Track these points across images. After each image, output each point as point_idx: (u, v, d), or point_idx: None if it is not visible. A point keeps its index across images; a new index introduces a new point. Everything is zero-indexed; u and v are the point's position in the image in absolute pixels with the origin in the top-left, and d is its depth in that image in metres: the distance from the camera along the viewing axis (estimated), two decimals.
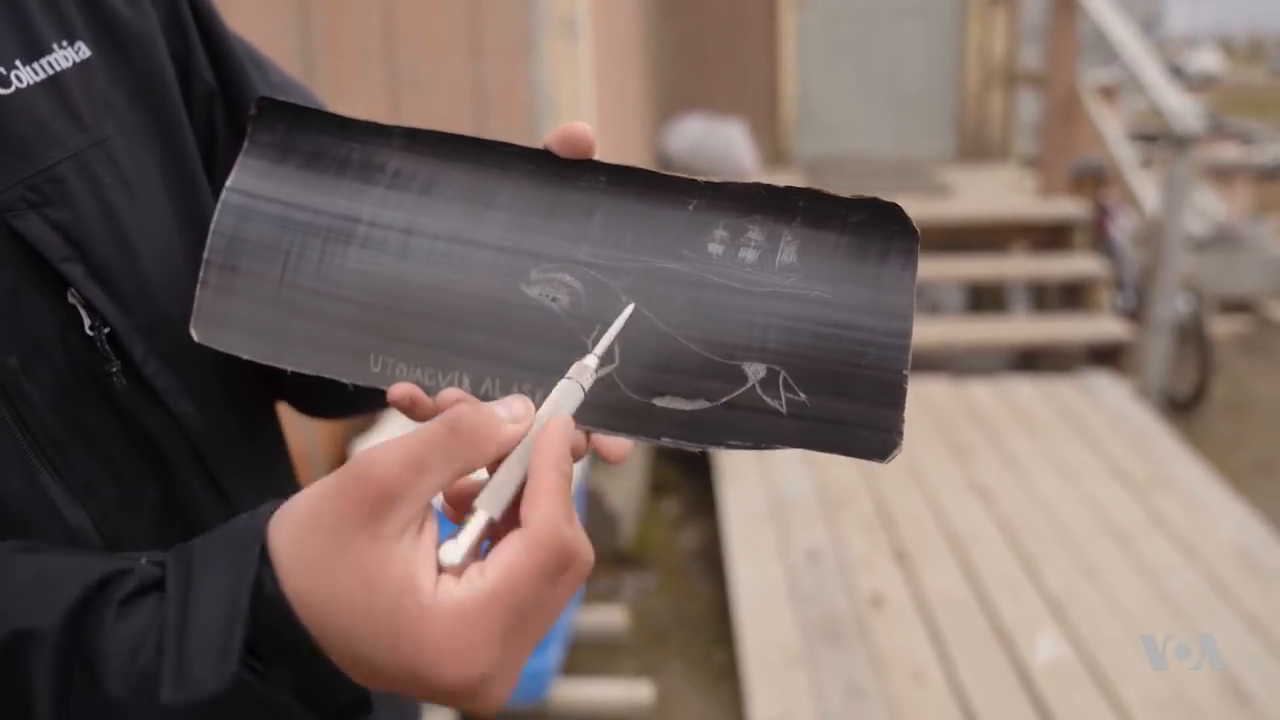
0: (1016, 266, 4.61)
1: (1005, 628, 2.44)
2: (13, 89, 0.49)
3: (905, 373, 0.50)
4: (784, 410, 0.51)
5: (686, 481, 3.61)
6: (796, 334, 0.51)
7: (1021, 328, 4.44)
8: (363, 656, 0.40)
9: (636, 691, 2.47)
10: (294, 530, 0.41)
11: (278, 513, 0.42)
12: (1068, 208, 4.63)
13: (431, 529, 0.42)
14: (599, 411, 0.53)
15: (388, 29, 2.23)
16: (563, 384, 0.48)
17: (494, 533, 0.44)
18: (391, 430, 2.18)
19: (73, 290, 0.51)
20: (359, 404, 0.71)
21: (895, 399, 0.50)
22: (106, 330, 0.52)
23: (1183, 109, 3.78)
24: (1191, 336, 4.11)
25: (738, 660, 2.41)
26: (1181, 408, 4.15)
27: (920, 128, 6.10)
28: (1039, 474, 3.21)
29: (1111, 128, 4.44)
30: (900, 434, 0.50)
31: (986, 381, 3.99)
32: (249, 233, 0.57)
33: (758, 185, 0.52)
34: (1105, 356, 4.25)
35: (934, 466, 3.27)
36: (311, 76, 1.93)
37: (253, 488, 0.62)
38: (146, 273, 0.54)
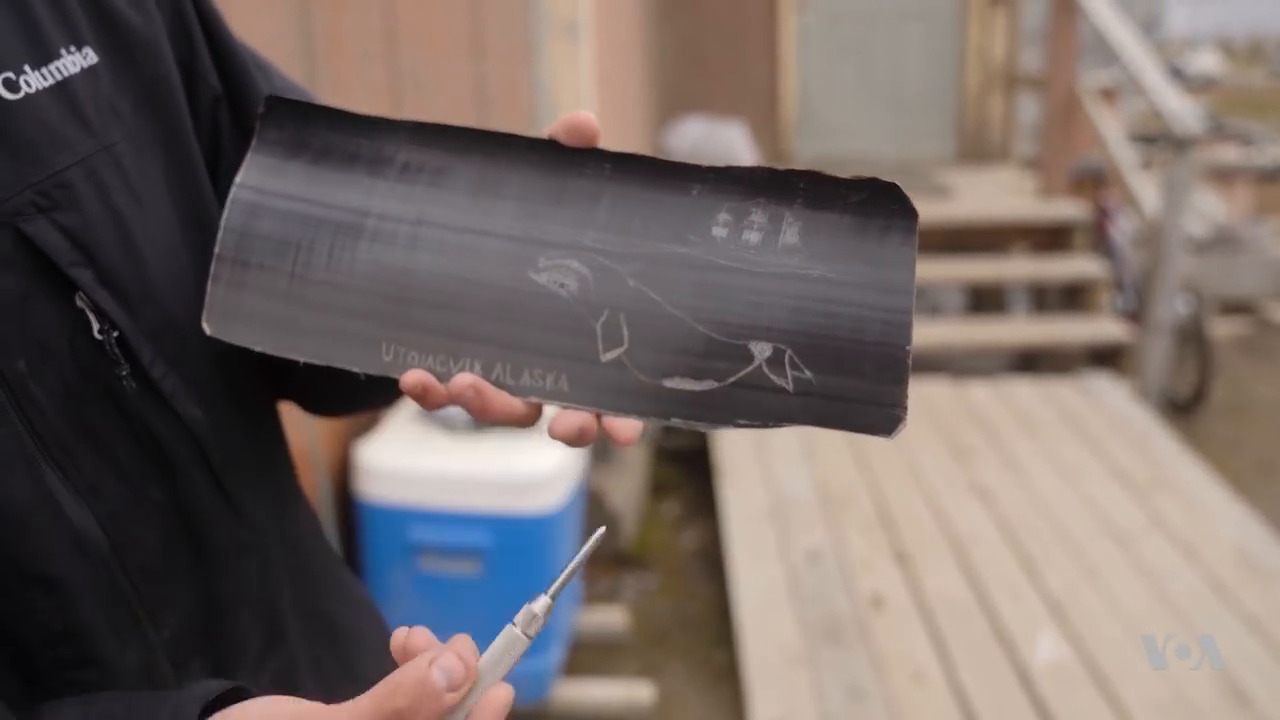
0: (1016, 268, 4.61)
1: (1005, 628, 2.44)
2: (21, 94, 0.50)
3: (908, 348, 0.51)
4: (791, 388, 0.52)
5: (687, 482, 3.61)
6: (801, 313, 0.52)
7: (1021, 329, 4.45)
8: None
9: (637, 692, 2.47)
10: None
11: None
12: (1068, 209, 4.64)
13: None
14: (608, 394, 0.54)
15: (389, 31, 2.24)
16: (508, 632, 0.46)
17: None
18: (391, 430, 2.18)
19: (81, 294, 0.51)
20: (363, 400, 0.72)
21: (899, 374, 0.51)
22: (115, 334, 0.52)
23: (1183, 110, 3.78)
24: (1191, 338, 4.12)
25: (738, 661, 2.42)
26: (1181, 409, 4.15)
27: (920, 129, 6.11)
28: (1039, 475, 3.22)
29: (1111, 129, 4.44)
30: (905, 409, 0.51)
31: (987, 383, 3.99)
32: (259, 228, 0.58)
33: (759, 169, 0.54)
34: (1105, 358, 4.26)
35: (934, 467, 3.27)
36: (313, 78, 1.93)
37: (255, 488, 0.63)
38: (152, 276, 0.55)
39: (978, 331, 4.33)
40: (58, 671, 0.52)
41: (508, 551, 2.09)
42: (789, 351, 0.52)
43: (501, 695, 0.45)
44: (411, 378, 0.54)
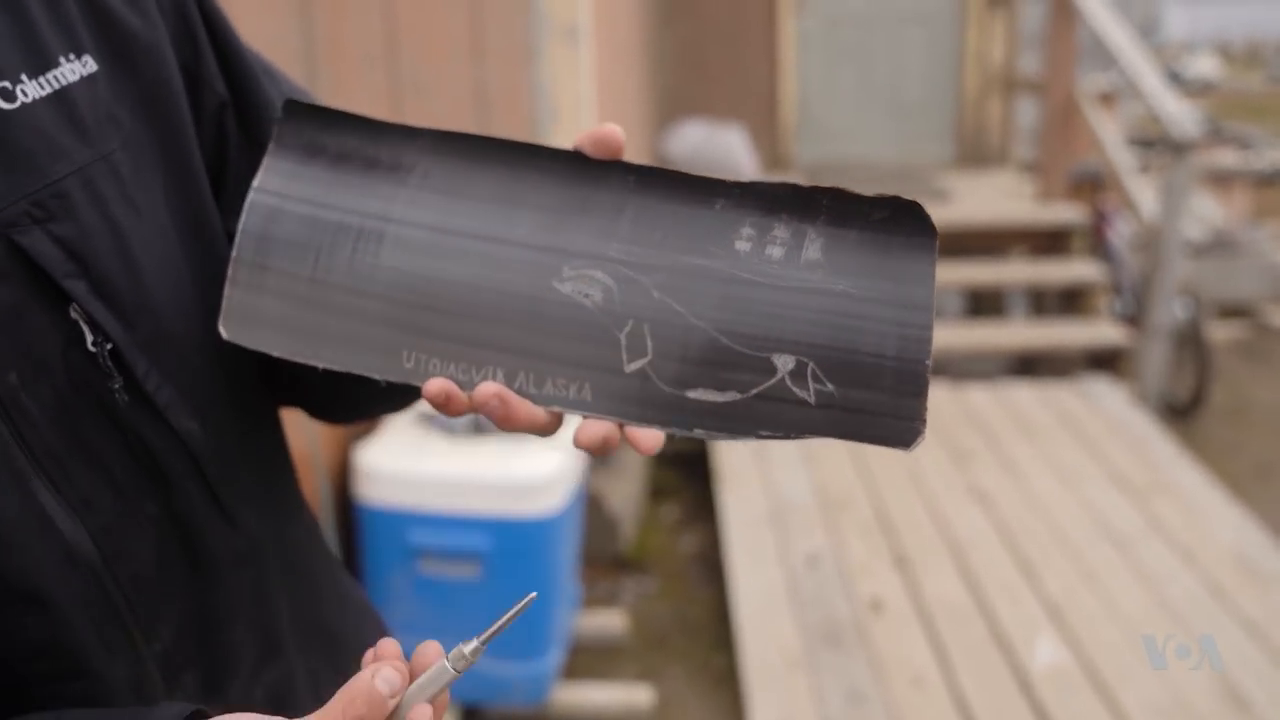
0: (1015, 272, 4.62)
1: (1004, 632, 2.44)
2: (18, 104, 0.49)
3: (928, 362, 0.52)
4: (813, 401, 0.53)
5: (686, 486, 3.61)
6: (823, 327, 0.53)
7: (1020, 333, 4.45)
8: None
9: (636, 695, 2.47)
10: None
11: None
12: (1066, 213, 4.64)
13: None
14: (632, 404, 0.54)
15: (390, 33, 2.24)
16: (439, 665, 0.48)
17: None
18: (391, 434, 2.18)
19: (75, 306, 0.50)
20: (374, 407, 0.71)
21: (918, 388, 0.52)
22: (109, 346, 0.52)
23: (1181, 114, 3.79)
24: (1190, 342, 4.12)
25: (738, 665, 2.42)
26: (1180, 413, 4.15)
27: (919, 133, 6.12)
28: (1038, 479, 3.22)
29: (1110, 133, 4.45)
30: (924, 422, 0.52)
31: (985, 386, 4.00)
32: (278, 232, 0.57)
33: (783, 185, 0.54)
34: (1104, 362, 4.26)
35: (933, 471, 3.27)
36: (314, 80, 1.93)
37: (252, 499, 0.62)
38: (149, 287, 0.54)
39: (976, 335, 4.33)
40: (44, 683, 0.51)
41: (507, 555, 2.09)
42: (811, 365, 0.53)
43: (423, 714, 0.46)
44: (435, 386, 0.53)
